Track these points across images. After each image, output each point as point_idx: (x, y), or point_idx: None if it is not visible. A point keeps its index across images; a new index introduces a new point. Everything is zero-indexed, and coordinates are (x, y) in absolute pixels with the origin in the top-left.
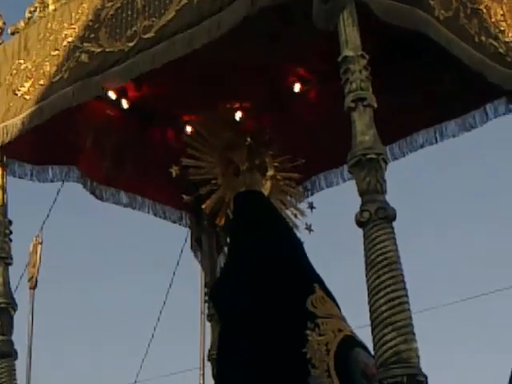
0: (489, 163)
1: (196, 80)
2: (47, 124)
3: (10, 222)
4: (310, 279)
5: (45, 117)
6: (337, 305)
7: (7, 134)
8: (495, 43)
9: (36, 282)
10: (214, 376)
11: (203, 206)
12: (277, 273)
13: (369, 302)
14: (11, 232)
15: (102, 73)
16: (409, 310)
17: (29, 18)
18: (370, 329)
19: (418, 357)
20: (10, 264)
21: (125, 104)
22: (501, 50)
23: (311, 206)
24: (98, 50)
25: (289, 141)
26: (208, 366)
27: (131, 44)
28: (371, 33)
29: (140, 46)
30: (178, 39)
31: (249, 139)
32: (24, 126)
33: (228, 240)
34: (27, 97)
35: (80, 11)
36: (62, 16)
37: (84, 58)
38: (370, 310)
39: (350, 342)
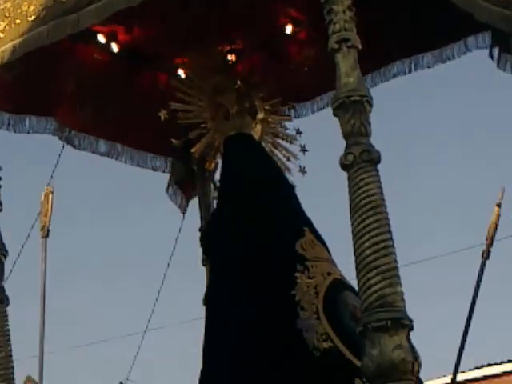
0: None
1: (187, 22)
2: (27, 71)
3: None
4: (299, 223)
5: (17, 54)
6: (327, 248)
7: None
8: None
9: (48, 231)
10: (206, 320)
11: (193, 150)
12: (266, 217)
13: (353, 246)
14: (0, 178)
15: (78, 11)
16: (394, 253)
17: None
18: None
19: (403, 300)
20: None
21: (115, 48)
22: None
23: (303, 149)
24: None
25: (279, 83)
26: None
27: None
28: None
29: None
30: None
31: (238, 82)
32: None
33: (218, 184)
34: (1, 35)
35: None
36: None
37: None
38: (355, 254)
39: (340, 285)
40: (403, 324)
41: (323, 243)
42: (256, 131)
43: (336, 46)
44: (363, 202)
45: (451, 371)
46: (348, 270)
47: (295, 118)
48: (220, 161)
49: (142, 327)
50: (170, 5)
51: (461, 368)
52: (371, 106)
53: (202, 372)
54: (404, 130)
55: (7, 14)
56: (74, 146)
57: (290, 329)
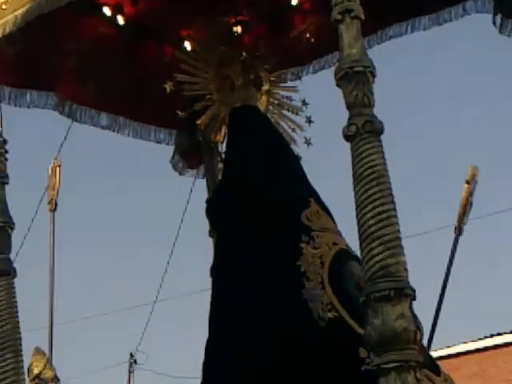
0: None
1: None
2: (30, 46)
3: (5, 141)
4: (305, 193)
5: (19, 24)
6: (332, 219)
7: None
8: None
9: (56, 204)
10: (212, 292)
11: (198, 122)
12: (272, 188)
13: (356, 217)
14: (7, 151)
15: None
16: (397, 224)
17: None
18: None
19: (406, 270)
20: (5, 183)
21: (120, 20)
22: None
23: (309, 120)
24: None
25: (285, 54)
26: None
27: None
28: None
29: None
30: None
31: (244, 54)
32: None
33: (224, 156)
34: (4, 6)
35: None
36: None
37: None
38: (358, 225)
39: (345, 255)
40: (406, 294)
41: (328, 213)
42: (261, 103)
43: (339, 16)
44: (366, 173)
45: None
46: (352, 241)
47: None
48: (226, 132)
49: (151, 298)
50: None
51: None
52: (374, 76)
53: (208, 341)
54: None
55: None
56: (75, 120)
57: (296, 299)
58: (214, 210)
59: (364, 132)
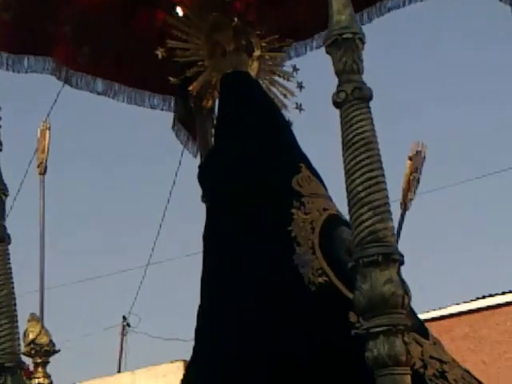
0: None
1: None
2: (25, 11)
3: None
4: (296, 159)
5: None
6: (323, 184)
7: None
8: None
9: (45, 167)
10: (203, 257)
11: (190, 88)
12: (263, 153)
13: (346, 183)
14: (0, 118)
15: None
16: (385, 189)
17: None
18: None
19: (394, 236)
20: None
21: None
22: None
23: (300, 86)
24: None
25: (276, 20)
26: None
27: None
28: None
29: None
30: None
31: (235, 20)
32: None
33: (215, 122)
34: None
35: None
36: None
37: None
38: (347, 191)
39: (335, 220)
40: (394, 259)
41: (319, 179)
42: (253, 68)
43: None
44: (355, 139)
45: None
46: (342, 208)
47: (295, 57)
48: (217, 98)
49: (143, 262)
50: None
51: None
52: (363, 43)
53: (201, 306)
54: None
55: None
56: (71, 86)
57: (287, 264)
58: (206, 176)
59: (353, 98)
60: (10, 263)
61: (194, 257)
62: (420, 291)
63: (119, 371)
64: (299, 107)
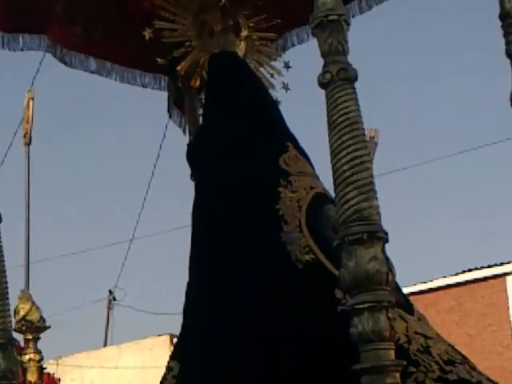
0: None
1: None
2: None
3: None
4: (283, 138)
5: None
6: (310, 163)
7: None
8: None
9: (30, 138)
10: (192, 234)
11: (178, 68)
12: (251, 132)
13: (331, 162)
14: None
15: None
16: (370, 169)
17: None
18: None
19: (379, 214)
20: None
21: None
22: None
23: (287, 66)
24: None
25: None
26: None
27: None
28: None
29: None
30: None
31: (223, 0)
32: None
33: (203, 101)
34: None
35: None
36: None
37: None
38: (333, 170)
39: (322, 198)
40: (378, 237)
41: (306, 158)
42: (240, 48)
43: None
44: (340, 119)
45: None
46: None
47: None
48: (206, 78)
49: (128, 236)
50: None
51: None
52: (348, 24)
53: (189, 284)
54: None
55: None
56: (66, 64)
57: (275, 242)
58: (194, 154)
59: (338, 79)
60: (1, 241)
61: (178, 231)
62: (406, 265)
63: (105, 345)
64: (286, 87)
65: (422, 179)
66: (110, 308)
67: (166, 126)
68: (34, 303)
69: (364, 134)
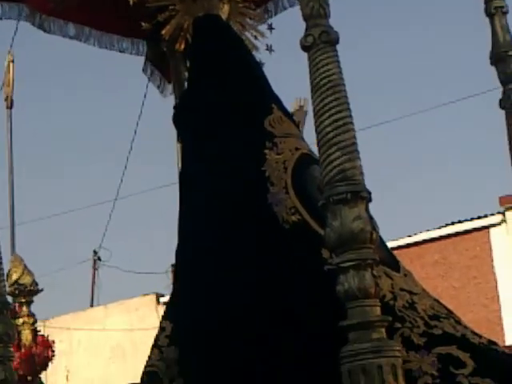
0: None
1: None
2: None
3: None
4: (268, 100)
5: None
6: (295, 124)
7: None
8: None
9: (12, 101)
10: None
11: (163, 32)
12: (235, 94)
13: (314, 124)
14: None
15: None
16: (353, 130)
17: None
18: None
19: (362, 174)
20: None
21: None
22: None
23: (270, 27)
24: None
25: None
26: None
27: None
28: None
29: None
30: None
31: None
32: None
33: (188, 64)
34: None
35: None
36: None
37: None
38: (316, 132)
39: (307, 159)
40: (362, 196)
41: (291, 119)
42: (224, 12)
43: None
44: (323, 82)
45: None
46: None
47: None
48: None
49: (111, 196)
50: None
51: None
52: None
53: (179, 246)
54: None
55: None
56: (44, 31)
57: (262, 203)
58: (180, 117)
59: (320, 42)
60: None
61: (161, 190)
62: (391, 218)
63: (92, 305)
64: (270, 49)
65: (406, 132)
66: (95, 268)
67: (147, 86)
68: (26, 267)
69: (346, 96)
